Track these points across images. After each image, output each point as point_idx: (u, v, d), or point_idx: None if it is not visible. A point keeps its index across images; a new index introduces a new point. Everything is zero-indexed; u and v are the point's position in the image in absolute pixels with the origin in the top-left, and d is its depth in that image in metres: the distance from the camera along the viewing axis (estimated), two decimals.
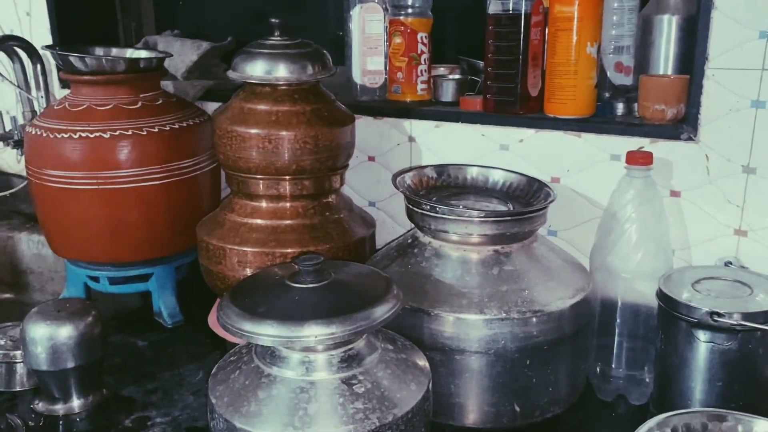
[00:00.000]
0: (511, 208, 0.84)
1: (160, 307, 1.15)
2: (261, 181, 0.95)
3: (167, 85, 1.34)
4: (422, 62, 1.10)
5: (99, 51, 1.20)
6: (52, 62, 1.56)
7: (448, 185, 0.93)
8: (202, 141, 1.14)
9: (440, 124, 1.08)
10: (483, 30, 1.02)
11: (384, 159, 1.16)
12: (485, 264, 0.79)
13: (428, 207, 0.80)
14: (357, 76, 1.17)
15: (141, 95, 1.10)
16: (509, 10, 0.97)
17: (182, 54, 1.38)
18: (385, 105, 1.13)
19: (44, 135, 1.05)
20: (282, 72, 0.93)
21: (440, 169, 0.96)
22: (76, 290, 1.20)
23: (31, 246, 1.71)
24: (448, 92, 1.11)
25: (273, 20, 0.96)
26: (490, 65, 1.01)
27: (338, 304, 0.63)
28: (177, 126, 1.10)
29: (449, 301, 0.76)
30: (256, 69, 0.94)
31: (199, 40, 1.42)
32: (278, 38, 0.96)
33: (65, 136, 1.04)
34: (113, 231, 1.08)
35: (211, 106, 1.34)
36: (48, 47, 1.10)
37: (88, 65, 1.07)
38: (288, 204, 0.96)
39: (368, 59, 1.15)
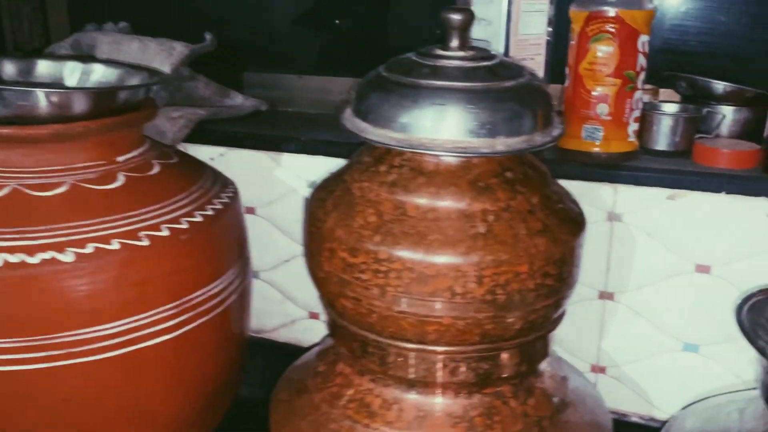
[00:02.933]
0: None
1: None
2: (446, 358, 0.45)
3: None
4: (639, 86, 0.63)
5: (8, 65, 0.63)
6: None
7: None
8: (232, 240, 0.61)
9: (677, 194, 0.62)
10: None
11: None
12: None
13: None
14: None
15: (119, 158, 0.55)
16: None
17: (145, 63, 0.81)
18: (562, 159, 0.65)
19: None
20: (493, 130, 0.43)
21: None
22: None
23: None
24: (664, 134, 0.66)
25: (450, 14, 0.45)
26: None
27: None
28: (199, 217, 0.56)
29: None
30: (425, 123, 0.43)
31: (165, 39, 0.85)
32: (460, 54, 0.46)
33: None
34: None
35: (201, 152, 0.80)
36: None
37: (7, 103, 0.51)
38: (494, 398, 0.47)
39: None
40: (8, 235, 0.48)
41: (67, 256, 0.48)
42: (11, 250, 0.48)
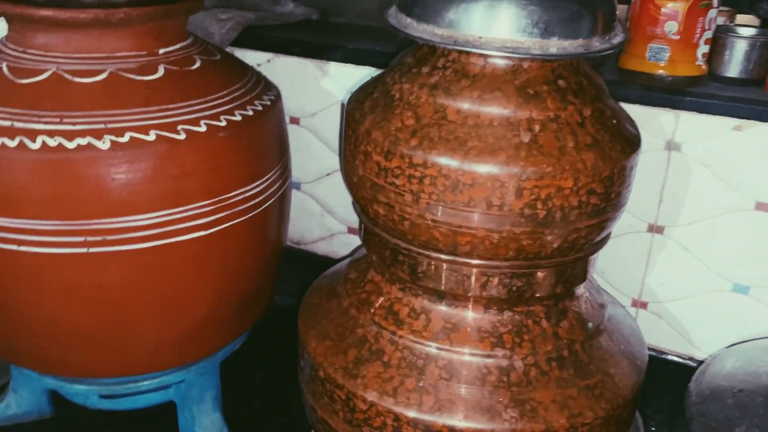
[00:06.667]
0: None
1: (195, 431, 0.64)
2: (478, 271, 0.44)
3: None
4: (714, 4, 0.58)
5: None
6: None
7: None
8: (272, 144, 0.60)
9: (744, 125, 0.58)
10: None
11: None
12: None
13: None
14: None
15: (161, 50, 0.54)
16: None
17: None
18: (622, 80, 0.61)
19: None
20: (548, 31, 0.40)
21: None
22: (32, 396, 0.67)
23: None
24: (737, 60, 0.61)
25: None
26: None
27: None
28: (238, 116, 0.55)
29: None
30: (473, 19, 0.40)
31: None
32: None
33: (10, 143, 0.48)
34: (117, 332, 0.54)
35: (248, 57, 0.78)
36: None
37: None
38: (526, 316, 0.46)
39: None
40: (47, 118, 0.48)
41: (104, 143, 0.48)
42: (50, 133, 0.48)
